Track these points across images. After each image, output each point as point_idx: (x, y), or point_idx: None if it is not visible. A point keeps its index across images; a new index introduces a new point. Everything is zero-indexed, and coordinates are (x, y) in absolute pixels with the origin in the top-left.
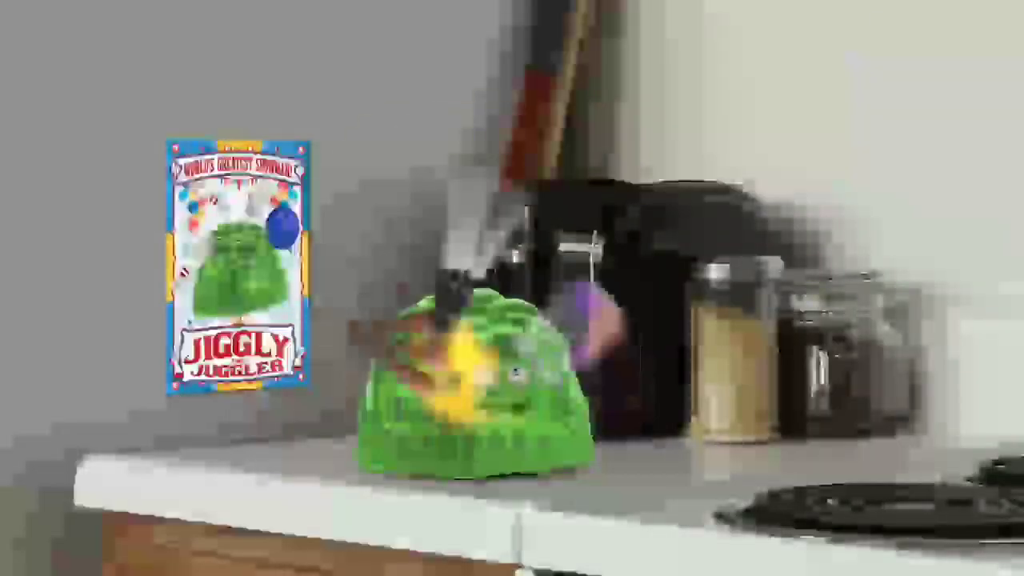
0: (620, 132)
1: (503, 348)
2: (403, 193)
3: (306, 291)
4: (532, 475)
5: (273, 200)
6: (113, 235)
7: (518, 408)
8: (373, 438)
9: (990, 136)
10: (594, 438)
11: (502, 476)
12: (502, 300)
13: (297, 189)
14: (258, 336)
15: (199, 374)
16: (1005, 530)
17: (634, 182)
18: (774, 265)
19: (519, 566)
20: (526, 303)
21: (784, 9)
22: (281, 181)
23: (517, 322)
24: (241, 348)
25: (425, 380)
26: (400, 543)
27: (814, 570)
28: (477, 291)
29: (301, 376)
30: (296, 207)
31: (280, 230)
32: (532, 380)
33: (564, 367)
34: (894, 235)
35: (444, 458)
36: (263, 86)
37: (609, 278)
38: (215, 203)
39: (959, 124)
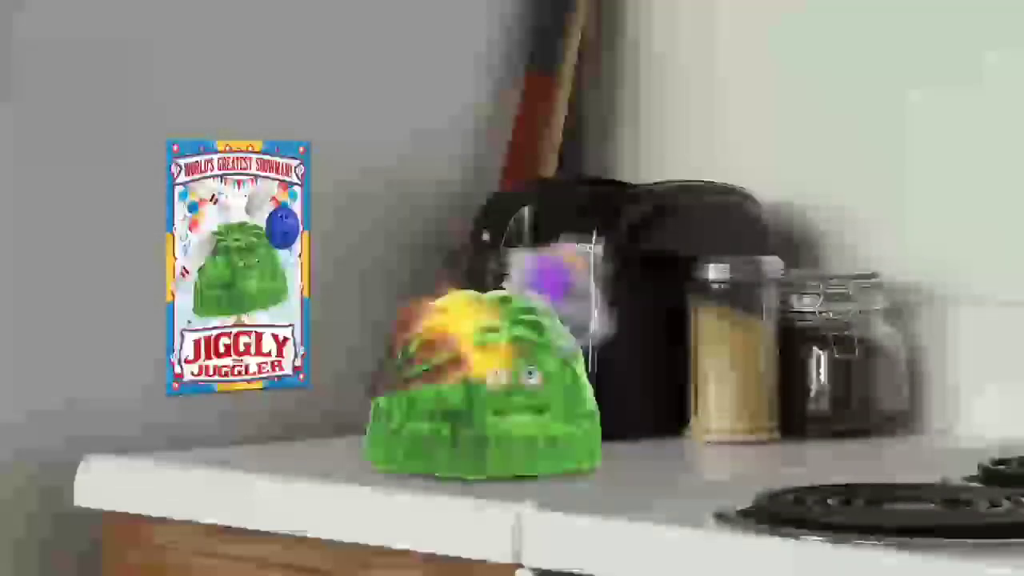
0: (620, 132)
1: (519, 350)
2: (403, 193)
3: (306, 291)
4: (536, 477)
5: (273, 200)
6: (113, 235)
7: (531, 410)
8: (384, 437)
9: (990, 136)
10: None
11: (511, 477)
12: (520, 302)
13: (297, 189)
14: (258, 336)
15: (199, 374)
16: (1005, 530)
17: (634, 182)
18: (774, 265)
19: (519, 566)
20: (543, 306)
21: (784, 8)
22: (281, 181)
23: (532, 324)
24: (241, 348)
25: (439, 371)
26: (400, 543)
27: (814, 570)
28: (494, 292)
29: (301, 376)
30: (296, 207)
31: (280, 230)
32: (545, 383)
33: (578, 370)
34: (894, 235)
35: (453, 458)
36: (263, 86)
37: (609, 278)
38: (215, 203)
39: (959, 124)
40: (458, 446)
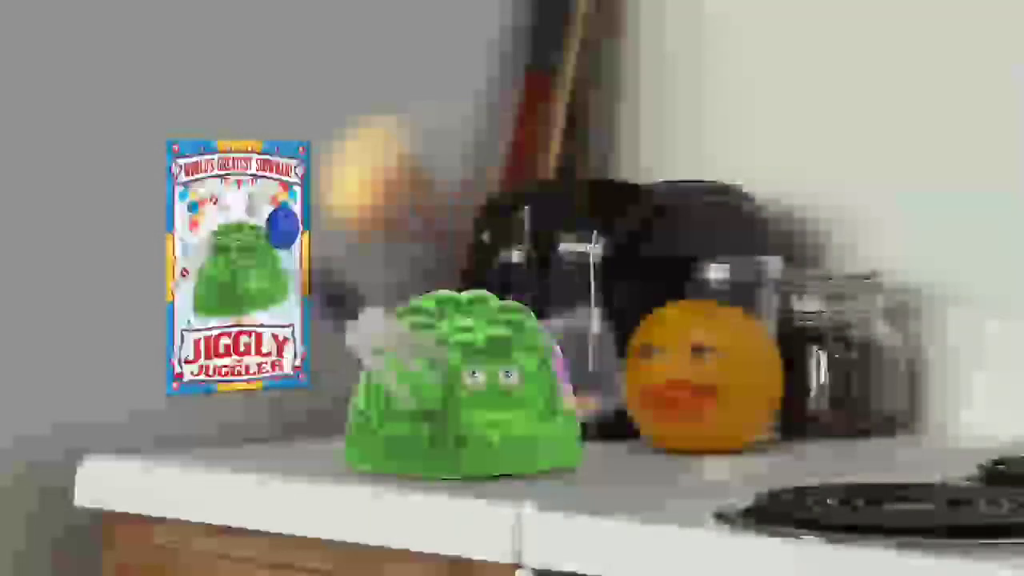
0: (620, 132)
1: (496, 349)
2: (403, 193)
3: (306, 291)
4: (520, 476)
5: (273, 200)
6: (113, 235)
7: (509, 409)
8: (362, 437)
9: (990, 136)
10: (594, 438)
11: (489, 477)
12: (496, 301)
13: (297, 189)
14: (258, 336)
15: (199, 374)
16: (1005, 530)
17: (634, 182)
18: (774, 265)
19: (519, 566)
20: (520, 305)
21: (784, 8)
22: (281, 181)
23: (509, 323)
24: (241, 348)
25: None
26: (400, 543)
27: (814, 570)
28: (473, 292)
29: (301, 376)
30: (296, 207)
31: (280, 230)
32: (523, 382)
33: (552, 368)
34: (894, 235)
35: (432, 458)
36: (263, 86)
37: (609, 278)
38: (215, 203)
39: (959, 124)
40: (436, 446)
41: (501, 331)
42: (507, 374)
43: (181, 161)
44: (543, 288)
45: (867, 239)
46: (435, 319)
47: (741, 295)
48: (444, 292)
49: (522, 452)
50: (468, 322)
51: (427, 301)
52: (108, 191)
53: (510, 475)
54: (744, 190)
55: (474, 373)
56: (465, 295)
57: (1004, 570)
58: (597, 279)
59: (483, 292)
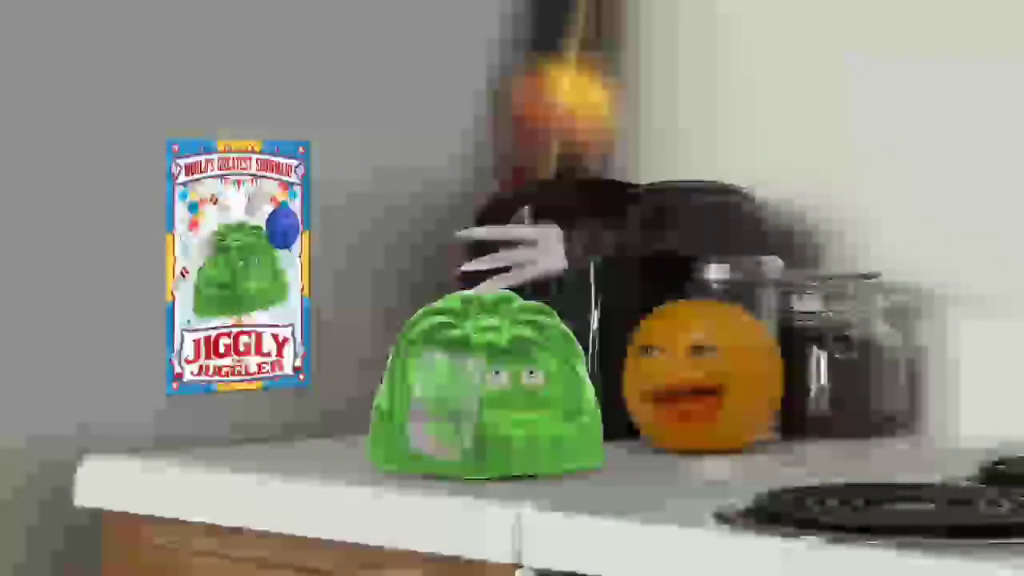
0: (620, 132)
1: (520, 349)
2: (403, 193)
3: (306, 291)
4: (544, 477)
5: (273, 200)
6: (113, 235)
7: (533, 410)
8: (386, 437)
9: (990, 136)
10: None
11: (513, 477)
12: (520, 301)
13: (297, 189)
14: (258, 336)
15: (199, 374)
16: (1005, 530)
17: (634, 182)
18: (774, 265)
19: (519, 566)
20: (543, 305)
21: (785, 9)
22: (281, 181)
23: (533, 324)
24: (241, 348)
25: None
26: (400, 543)
27: (814, 570)
28: (497, 293)
29: (301, 376)
30: (296, 207)
31: (280, 230)
32: (547, 382)
33: (579, 369)
34: (894, 235)
35: (456, 459)
36: (263, 86)
37: (609, 278)
38: (215, 203)
39: (959, 124)
40: (460, 446)
41: (525, 331)
42: (531, 373)
43: (181, 161)
44: (543, 288)
45: (867, 239)
46: (459, 319)
47: (741, 295)
48: (468, 292)
49: (545, 453)
50: (492, 322)
51: (452, 301)
52: (108, 191)
53: (534, 476)
54: (744, 190)
55: (497, 373)
56: (489, 295)
57: (1004, 570)
58: (597, 279)
59: (508, 292)
